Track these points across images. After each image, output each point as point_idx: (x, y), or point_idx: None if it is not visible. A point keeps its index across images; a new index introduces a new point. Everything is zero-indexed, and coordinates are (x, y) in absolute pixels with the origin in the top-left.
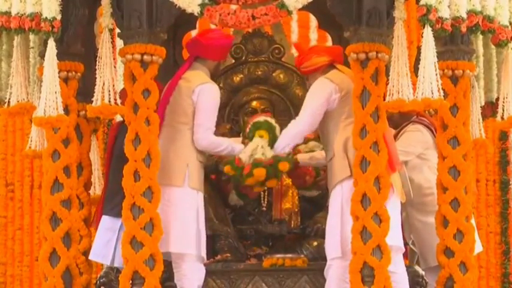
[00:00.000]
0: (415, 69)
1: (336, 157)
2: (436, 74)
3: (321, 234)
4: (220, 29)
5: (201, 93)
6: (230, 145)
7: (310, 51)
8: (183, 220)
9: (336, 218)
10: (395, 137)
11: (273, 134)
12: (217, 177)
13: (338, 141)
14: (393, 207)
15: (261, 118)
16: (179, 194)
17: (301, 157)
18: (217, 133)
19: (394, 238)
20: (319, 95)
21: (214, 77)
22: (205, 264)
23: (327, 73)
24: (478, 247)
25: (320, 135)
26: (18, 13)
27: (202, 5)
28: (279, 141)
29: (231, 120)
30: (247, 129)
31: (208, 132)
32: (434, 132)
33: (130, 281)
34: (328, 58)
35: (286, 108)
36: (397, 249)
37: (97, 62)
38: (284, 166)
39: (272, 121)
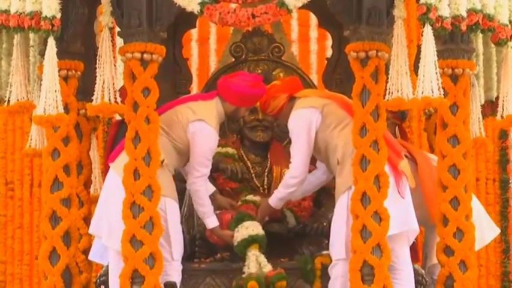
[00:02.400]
0: (415, 68)
1: (341, 164)
2: (436, 73)
3: (321, 233)
4: (254, 76)
5: (197, 133)
6: (209, 211)
7: (266, 96)
8: None
9: (342, 220)
10: None
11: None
12: (217, 177)
13: (339, 148)
14: (409, 194)
15: (249, 231)
16: None
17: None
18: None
19: (411, 222)
20: (302, 130)
21: (233, 120)
22: (205, 263)
23: (292, 107)
24: (495, 230)
25: (315, 155)
26: (17, 11)
27: (202, 4)
28: (287, 195)
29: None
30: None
31: (202, 179)
32: None
33: (130, 280)
34: (285, 94)
35: None
36: (413, 233)
37: (97, 61)
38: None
39: (259, 232)
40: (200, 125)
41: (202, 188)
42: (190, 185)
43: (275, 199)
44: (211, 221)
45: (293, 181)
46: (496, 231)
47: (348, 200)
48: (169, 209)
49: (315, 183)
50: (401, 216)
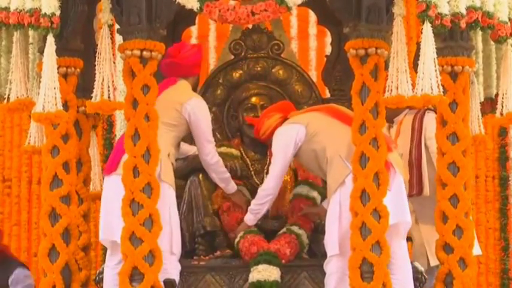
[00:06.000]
0: (414, 65)
1: (330, 163)
2: (436, 70)
3: (321, 230)
4: (185, 42)
5: (195, 109)
6: (230, 176)
7: (261, 117)
8: None
9: (334, 216)
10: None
11: None
12: None
13: (327, 148)
14: (399, 185)
15: (259, 276)
16: None
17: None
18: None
19: (403, 214)
20: (280, 149)
21: (195, 88)
22: (204, 261)
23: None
24: (477, 250)
25: (309, 169)
26: (17, 9)
27: (201, 1)
28: (259, 207)
29: (231, 116)
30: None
31: (214, 148)
32: None
33: (130, 277)
34: (279, 115)
35: None
36: (406, 226)
37: (96, 58)
38: None
39: (270, 278)
40: (194, 102)
41: (219, 157)
42: (210, 159)
43: (248, 214)
44: (232, 187)
45: (263, 193)
46: (477, 252)
47: (340, 195)
48: (173, 201)
49: None
50: (393, 207)
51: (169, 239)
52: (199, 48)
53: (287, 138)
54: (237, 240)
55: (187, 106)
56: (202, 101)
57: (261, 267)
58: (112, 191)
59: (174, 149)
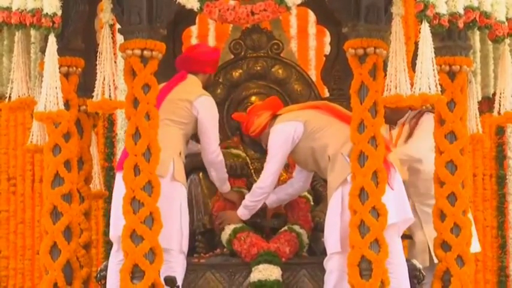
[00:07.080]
0: (412, 65)
1: (332, 160)
2: (434, 70)
3: (320, 229)
4: (206, 43)
5: (203, 107)
6: (227, 177)
7: (249, 115)
8: (168, 214)
9: (336, 214)
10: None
11: None
12: None
13: (330, 145)
14: (400, 184)
15: (260, 275)
16: (164, 185)
17: (241, 212)
18: (224, 146)
19: (405, 211)
20: (279, 146)
21: (207, 88)
22: (204, 258)
23: (274, 124)
24: (476, 247)
25: (303, 167)
26: (19, 9)
27: (201, 1)
28: (254, 203)
29: (231, 115)
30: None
31: (219, 146)
32: None
33: (130, 275)
34: (268, 113)
35: (285, 103)
36: (405, 223)
37: (97, 57)
38: None
39: (271, 277)
40: (204, 99)
41: (222, 156)
42: (215, 157)
43: (241, 209)
44: (227, 187)
45: (259, 191)
46: (476, 249)
47: (343, 193)
48: (184, 199)
49: (291, 193)
50: (395, 207)
51: (180, 238)
52: (216, 49)
53: (285, 135)
54: (226, 237)
55: (196, 104)
56: (211, 98)
57: (261, 266)
58: (121, 187)
59: (183, 147)
